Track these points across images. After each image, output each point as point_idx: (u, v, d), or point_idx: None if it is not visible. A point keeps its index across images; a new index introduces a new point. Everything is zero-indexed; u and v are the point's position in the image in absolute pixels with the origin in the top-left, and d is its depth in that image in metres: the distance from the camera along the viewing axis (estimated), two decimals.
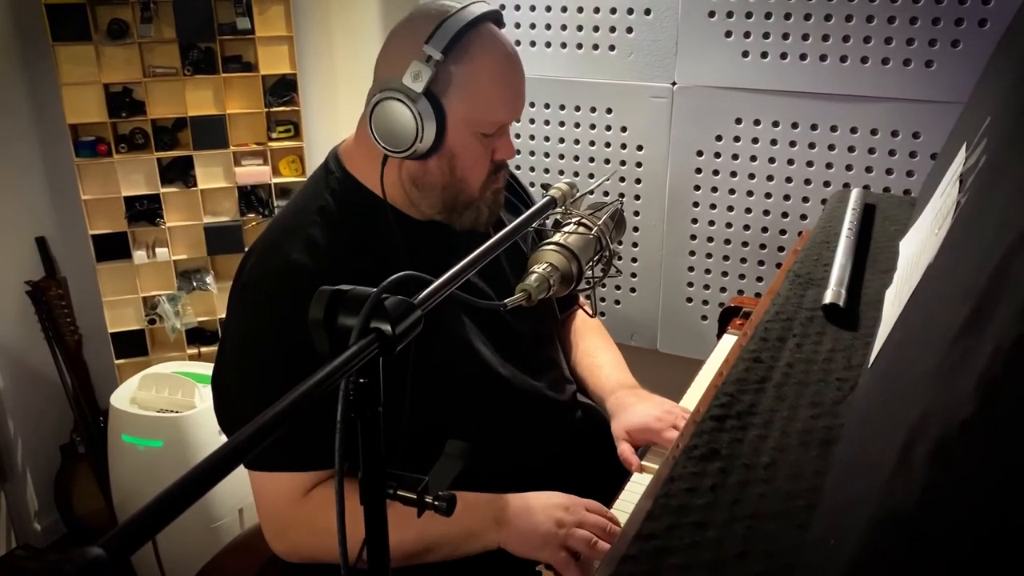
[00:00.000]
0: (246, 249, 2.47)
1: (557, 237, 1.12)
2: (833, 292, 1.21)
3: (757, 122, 1.97)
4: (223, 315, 2.57)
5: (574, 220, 1.17)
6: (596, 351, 1.56)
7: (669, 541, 0.77)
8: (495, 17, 1.21)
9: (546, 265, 1.07)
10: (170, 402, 2.26)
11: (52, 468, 2.62)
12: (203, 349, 2.60)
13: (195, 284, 2.51)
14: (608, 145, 2.17)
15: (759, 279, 2.10)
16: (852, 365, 1.05)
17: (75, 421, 2.56)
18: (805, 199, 1.99)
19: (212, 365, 2.51)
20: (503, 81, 1.20)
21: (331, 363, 0.65)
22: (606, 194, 2.18)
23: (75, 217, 2.40)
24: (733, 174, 2.04)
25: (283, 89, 2.42)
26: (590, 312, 1.45)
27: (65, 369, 2.51)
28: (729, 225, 2.09)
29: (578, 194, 1.18)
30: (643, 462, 1.30)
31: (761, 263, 2.09)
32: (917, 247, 1.12)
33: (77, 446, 2.58)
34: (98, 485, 2.54)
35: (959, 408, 0.39)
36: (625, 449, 1.34)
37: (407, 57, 1.14)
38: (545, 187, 1.21)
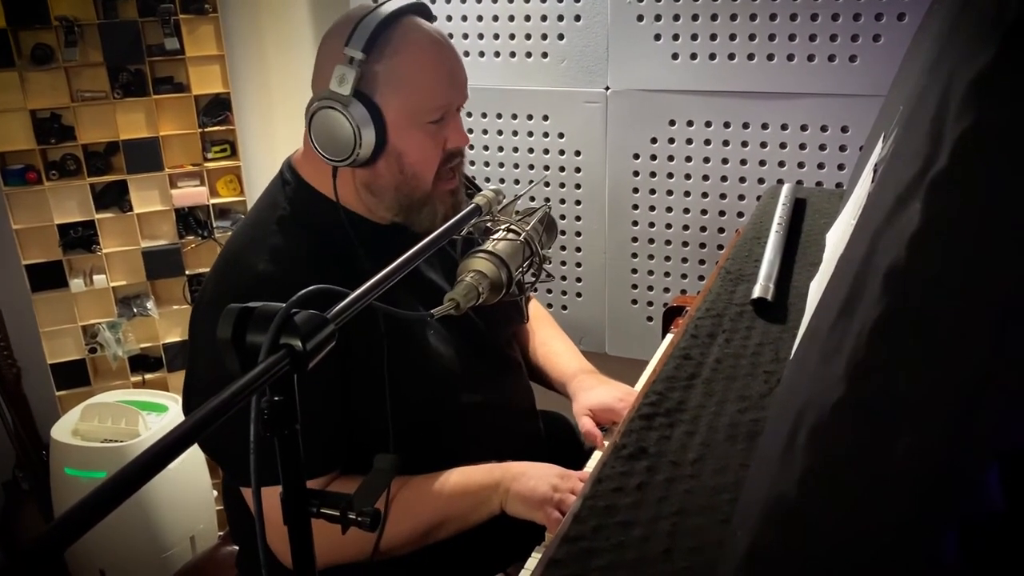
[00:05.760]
0: (186, 272, 2.46)
1: (486, 244, 1.12)
2: (761, 287, 1.22)
3: (690, 123, 2.00)
4: (166, 340, 2.54)
5: (503, 227, 1.17)
6: (551, 340, 1.60)
7: (595, 543, 0.76)
8: (418, 10, 1.20)
9: (474, 273, 1.07)
10: (114, 432, 2.22)
11: None
12: (147, 376, 2.55)
13: (136, 310, 2.46)
14: (546, 152, 2.18)
15: (701, 278, 2.12)
16: (779, 358, 1.06)
17: (17, 457, 2.49)
18: (741, 196, 2.01)
19: (156, 392, 2.46)
20: (433, 64, 1.19)
21: (239, 380, 0.64)
22: (547, 200, 2.19)
23: (6, 247, 2.35)
24: (670, 175, 2.06)
25: (217, 109, 2.40)
26: (522, 319, 1.46)
27: (4, 404, 2.44)
28: (669, 226, 2.11)
29: (505, 201, 1.18)
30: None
31: (702, 262, 2.11)
32: (838, 238, 1.13)
33: (21, 483, 2.51)
34: (45, 521, 2.47)
35: (831, 392, 0.39)
36: (587, 423, 1.36)
37: (331, 63, 1.14)
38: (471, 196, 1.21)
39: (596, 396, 1.40)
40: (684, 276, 2.14)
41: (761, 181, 1.98)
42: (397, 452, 0.97)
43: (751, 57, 1.89)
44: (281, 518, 0.74)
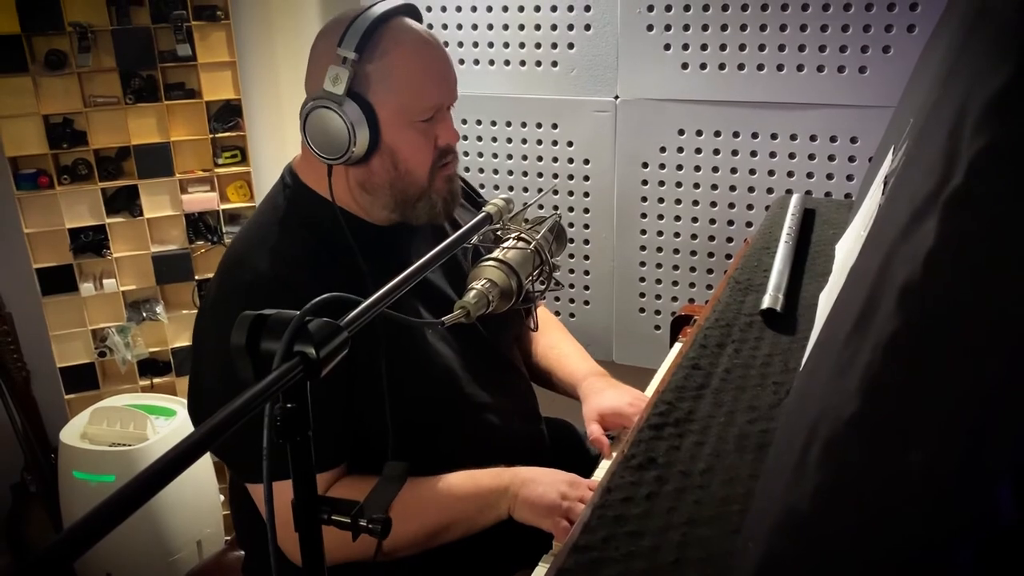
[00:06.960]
0: (196, 277, 2.48)
1: (496, 253, 1.13)
2: (771, 297, 1.22)
3: (699, 132, 2.00)
4: (175, 345, 2.54)
5: (513, 235, 1.18)
6: (560, 343, 1.60)
7: (605, 552, 0.76)
8: (408, 11, 1.23)
9: (485, 281, 1.07)
10: (122, 435, 2.22)
11: (3, 508, 2.55)
12: (156, 380, 2.56)
13: (145, 314, 2.47)
14: (555, 160, 2.19)
15: (709, 287, 2.12)
16: (789, 369, 1.06)
17: (25, 459, 2.50)
18: (750, 206, 2.01)
19: (165, 396, 2.47)
20: (424, 64, 1.21)
21: (253, 388, 0.64)
22: (555, 208, 2.20)
23: (18, 251, 2.36)
24: (679, 184, 2.06)
25: (228, 115, 2.41)
26: (532, 327, 1.46)
27: (13, 406, 2.45)
28: (677, 235, 2.11)
29: (515, 209, 1.19)
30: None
31: (710, 271, 2.11)
32: (848, 250, 1.14)
33: (28, 485, 2.52)
34: (52, 524, 2.48)
35: (845, 406, 0.39)
36: (595, 430, 1.36)
37: (324, 63, 1.16)
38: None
39: (606, 400, 1.39)
40: (692, 285, 2.14)
41: (770, 191, 1.98)
42: (399, 452, 0.97)
43: (761, 67, 1.90)
44: (289, 513, 0.75)
